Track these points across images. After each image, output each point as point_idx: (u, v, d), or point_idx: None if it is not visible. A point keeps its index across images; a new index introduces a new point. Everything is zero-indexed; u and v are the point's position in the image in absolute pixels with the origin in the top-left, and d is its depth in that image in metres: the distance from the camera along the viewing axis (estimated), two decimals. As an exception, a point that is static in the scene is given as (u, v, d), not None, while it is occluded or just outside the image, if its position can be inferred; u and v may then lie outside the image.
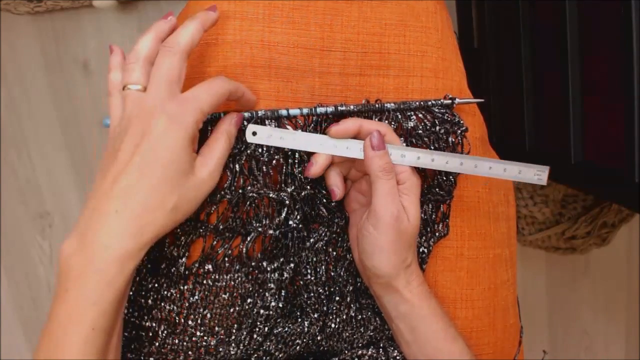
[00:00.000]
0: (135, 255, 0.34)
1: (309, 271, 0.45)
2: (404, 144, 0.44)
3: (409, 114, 0.44)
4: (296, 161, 0.43)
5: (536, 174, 0.43)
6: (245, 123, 0.41)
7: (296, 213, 0.43)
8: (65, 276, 0.34)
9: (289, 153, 0.42)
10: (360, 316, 0.47)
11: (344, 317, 0.46)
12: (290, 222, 0.43)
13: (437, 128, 0.45)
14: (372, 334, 0.47)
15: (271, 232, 0.43)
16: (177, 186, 0.36)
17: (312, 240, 0.45)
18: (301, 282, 0.45)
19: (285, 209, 0.43)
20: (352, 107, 0.42)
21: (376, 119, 0.44)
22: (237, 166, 0.42)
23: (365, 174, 0.44)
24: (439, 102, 0.44)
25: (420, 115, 0.45)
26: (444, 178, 0.45)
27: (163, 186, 0.35)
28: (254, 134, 0.41)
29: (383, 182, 0.40)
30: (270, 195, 0.42)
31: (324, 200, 0.44)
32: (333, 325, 0.46)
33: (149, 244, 0.35)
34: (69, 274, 0.34)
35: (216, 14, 0.40)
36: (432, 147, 0.45)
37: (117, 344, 0.37)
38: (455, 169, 0.42)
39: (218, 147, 0.39)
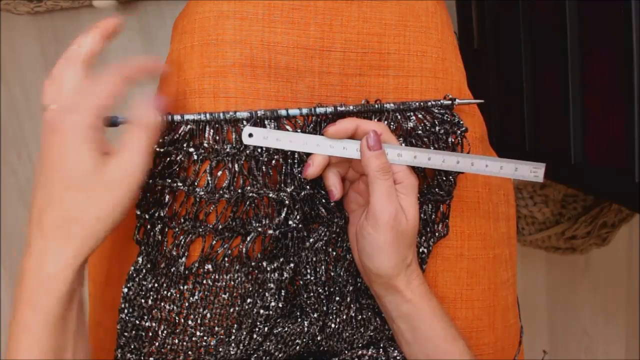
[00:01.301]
0: (69, 264, 0.34)
1: (308, 271, 0.45)
2: (402, 144, 0.44)
3: (408, 114, 0.44)
4: (295, 161, 0.43)
5: (532, 171, 0.43)
6: (245, 123, 0.41)
7: (296, 213, 0.43)
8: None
9: (289, 153, 0.42)
10: (360, 316, 0.47)
11: (344, 317, 0.46)
12: (290, 222, 0.43)
13: (437, 128, 0.45)
14: (372, 334, 0.47)
15: (271, 232, 0.43)
16: (87, 193, 0.34)
17: (311, 240, 0.45)
18: (301, 282, 0.45)
19: (285, 209, 0.43)
20: (351, 107, 0.42)
21: (375, 119, 0.43)
22: (236, 166, 0.42)
23: (362, 174, 0.44)
24: (439, 102, 0.44)
25: (420, 116, 0.45)
26: (444, 178, 0.45)
27: (70, 198, 0.34)
28: (250, 135, 0.41)
29: (381, 182, 0.40)
30: (270, 195, 0.42)
31: (323, 201, 0.44)
32: (333, 326, 0.46)
33: (82, 252, 0.35)
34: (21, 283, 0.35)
35: (115, 19, 0.39)
36: (432, 148, 0.45)
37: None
38: (452, 168, 0.42)
39: (131, 138, 0.36)
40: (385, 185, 0.40)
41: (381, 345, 0.47)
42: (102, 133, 0.36)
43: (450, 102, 0.44)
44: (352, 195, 0.45)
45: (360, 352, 0.47)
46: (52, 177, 0.34)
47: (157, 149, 0.42)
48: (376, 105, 0.43)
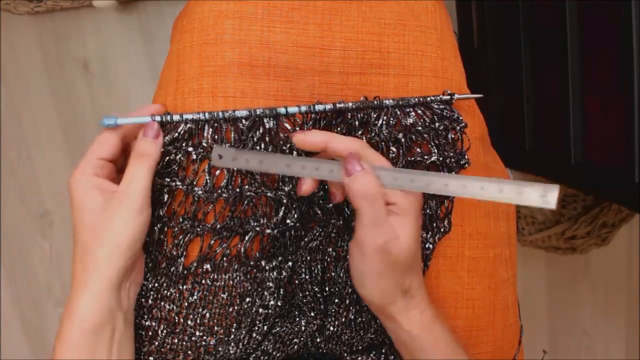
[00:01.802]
0: (91, 296, 0.37)
1: (303, 270, 0.45)
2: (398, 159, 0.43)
3: (408, 110, 0.44)
4: None
5: (542, 195, 0.35)
6: (245, 122, 0.41)
7: (293, 212, 0.43)
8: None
9: (287, 152, 0.42)
10: (360, 319, 0.47)
11: (343, 320, 0.46)
12: (288, 221, 0.43)
13: (437, 124, 0.45)
14: (372, 336, 0.47)
15: (269, 231, 0.43)
16: (96, 229, 0.38)
17: (305, 240, 0.45)
18: (296, 282, 0.45)
19: (283, 208, 0.43)
20: (350, 104, 0.42)
21: (375, 115, 0.43)
22: (235, 165, 0.42)
23: None
24: (438, 97, 0.44)
25: (419, 112, 0.45)
26: (447, 173, 0.45)
27: (84, 236, 0.38)
28: (220, 157, 0.39)
29: (364, 210, 0.37)
30: (268, 194, 0.42)
31: (320, 201, 0.44)
32: (332, 328, 0.46)
33: (103, 283, 0.37)
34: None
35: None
36: (432, 144, 0.45)
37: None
38: (440, 191, 0.38)
39: (127, 169, 0.39)
40: (370, 214, 0.37)
41: (382, 351, 0.47)
42: (113, 174, 0.41)
43: (449, 97, 0.44)
44: None
45: (359, 357, 0.46)
46: (74, 228, 0.39)
47: None
48: (375, 102, 0.43)
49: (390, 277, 0.38)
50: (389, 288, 0.38)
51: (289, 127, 0.42)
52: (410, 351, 0.41)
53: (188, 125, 0.41)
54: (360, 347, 0.47)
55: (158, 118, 0.41)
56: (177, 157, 0.42)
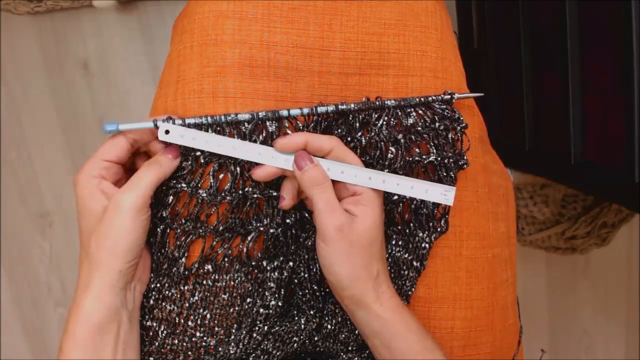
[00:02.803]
0: (94, 296, 0.38)
1: (302, 269, 0.45)
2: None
3: (409, 110, 0.44)
4: None
5: (443, 194, 0.42)
6: (247, 125, 0.41)
7: (292, 210, 0.44)
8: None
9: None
10: None
11: (339, 319, 0.46)
12: (288, 220, 0.44)
13: (437, 124, 0.45)
14: None
15: (272, 230, 0.43)
16: (97, 232, 0.38)
17: (300, 238, 0.45)
18: (296, 281, 0.45)
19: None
20: (352, 105, 0.42)
21: (376, 115, 0.43)
22: (237, 169, 0.42)
23: None
24: (439, 97, 0.44)
25: (420, 112, 0.45)
26: (444, 174, 0.45)
27: (87, 238, 0.39)
28: (167, 132, 0.40)
29: (317, 196, 0.40)
30: (274, 194, 0.42)
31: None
32: (329, 327, 0.46)
33: (105, 283, 0.38)
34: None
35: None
36: (431, 144, 0.45)
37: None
38: (364, 183, 0.42)
39: (134, 177, 0.40)
40: (324, 198, 0.40)
41: None
42: (119, 175, 0.41)
43: (449, 96, 0.45)
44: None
45: (355, 358, 0.47)
46: (79, 229, 0.40)
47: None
48: (377, 102, 0.43)
49: (355, 259, 0.40)
50: (357, 270, 0.40)
51: (289, 132, 0.42)
52: (384, 339, 0.41)
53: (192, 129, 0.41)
54: (355, 347, 0.47)
55: (161, 123, 0.41)
56: (189, 164, 0.42)
